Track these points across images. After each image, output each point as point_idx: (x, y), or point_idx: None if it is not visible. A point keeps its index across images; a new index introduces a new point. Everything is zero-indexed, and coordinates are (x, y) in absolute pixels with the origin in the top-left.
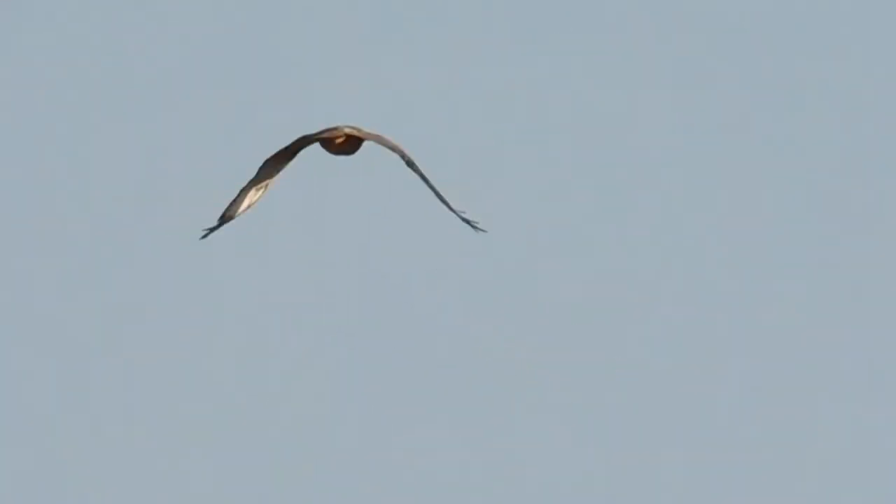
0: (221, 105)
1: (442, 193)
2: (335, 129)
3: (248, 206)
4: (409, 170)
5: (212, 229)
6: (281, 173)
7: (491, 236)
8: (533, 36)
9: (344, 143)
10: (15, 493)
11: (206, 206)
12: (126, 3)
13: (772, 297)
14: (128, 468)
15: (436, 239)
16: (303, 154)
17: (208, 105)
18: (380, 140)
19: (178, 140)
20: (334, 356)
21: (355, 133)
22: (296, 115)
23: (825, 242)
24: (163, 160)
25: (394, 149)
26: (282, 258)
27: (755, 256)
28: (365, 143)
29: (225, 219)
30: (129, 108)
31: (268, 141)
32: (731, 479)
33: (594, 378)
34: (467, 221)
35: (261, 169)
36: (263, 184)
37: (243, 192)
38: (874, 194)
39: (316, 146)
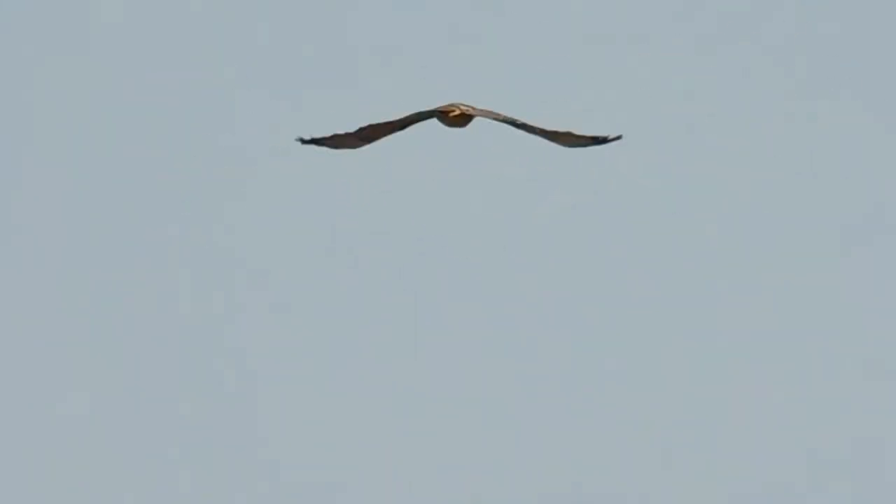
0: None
1: (560, 130)
2: (450, 105)
3: (348, 149)
4: (523, 132)
5: (311, 141)
6: (386, 137)
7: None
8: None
9: (458, 118)
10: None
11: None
12: None
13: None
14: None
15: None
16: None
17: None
18: (490, 114)
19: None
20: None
21: (468, 110)
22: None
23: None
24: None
25: (504, 119)
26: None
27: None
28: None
29: (321, 142)
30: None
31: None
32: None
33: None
34: (600, 139)
35: (364, 128)
36: (367, 140)
37: (346, 137)
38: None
39: (431, 121)
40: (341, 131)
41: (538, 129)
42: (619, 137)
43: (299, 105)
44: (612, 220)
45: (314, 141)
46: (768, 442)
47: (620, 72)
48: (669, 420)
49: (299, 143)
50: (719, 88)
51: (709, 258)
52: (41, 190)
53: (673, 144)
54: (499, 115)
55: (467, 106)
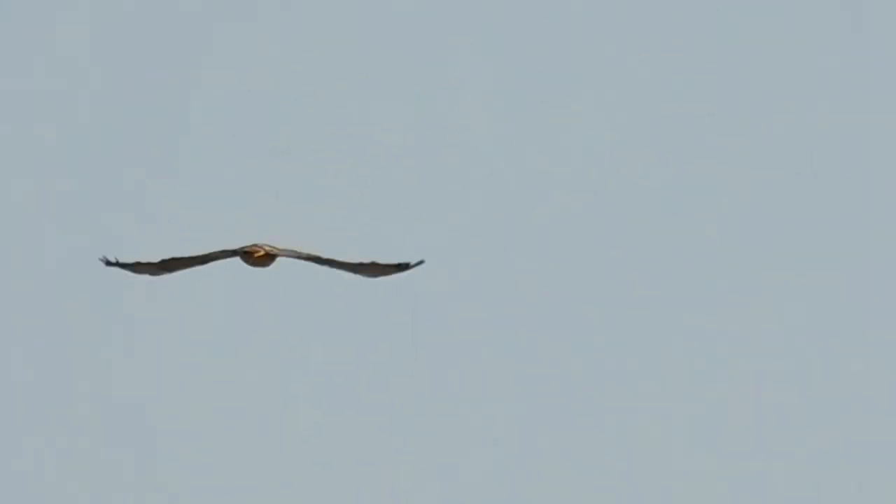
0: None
1: (364, 262)
2: (254, 245)
3: (149, 276)
4: (325, 266)
5: (114, 263)
6: (188, 270)
7: (429, 264)
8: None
9: (262, 257)
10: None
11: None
12: None
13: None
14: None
15: None
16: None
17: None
18: (293, 253)
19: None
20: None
21: (272, 250)
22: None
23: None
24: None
25: (308, 257)
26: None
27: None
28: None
29: (124, 266)
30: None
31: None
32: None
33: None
34: (403, 265)
35: (167, 261)
36: (167, 270)
37: (148, 266)
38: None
39: (232, 259)
40: (144, 260)
41: (342, 263)
42: (421, 262)
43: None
44: (612, 221)
45: (118, 264)
46: (768, 441)
47: (620, 71)
48: (669, 419)
49: (103, 264)
50: (719, 88)
51: (708, 258)
52: None
53: (673, 145)
54: (301, 253)
55: (271, 246)
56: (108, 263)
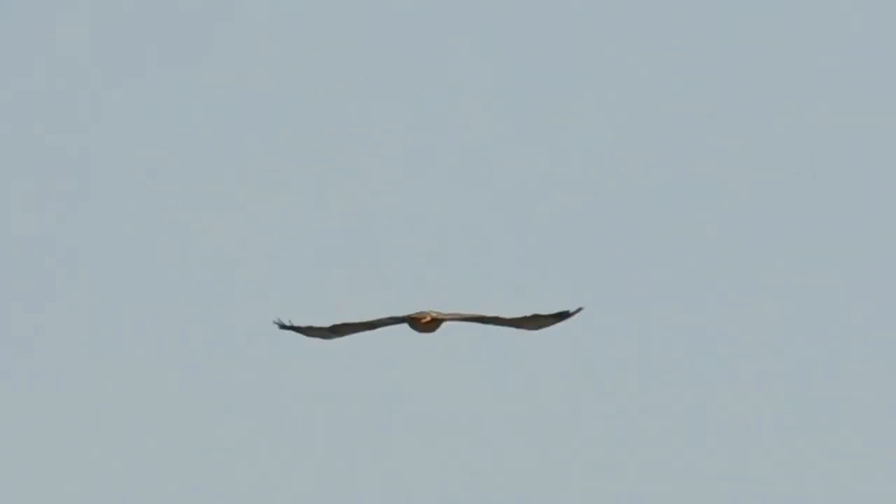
0: None
1: (526, 315)
2: (421, 312)
3: (321, 340)
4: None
5: (289, 327)
6: (357, 333)
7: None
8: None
9: (429, 323)
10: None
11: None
12: None
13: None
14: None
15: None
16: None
17: None
18: (458, 316)
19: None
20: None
21: (437, 315)
22: None
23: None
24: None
25: (473, 318)
26: None
27: None
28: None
29: (297, 330)
30: None
31: None
32: None
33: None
34: (563, 314)
35: (337, 326)
36: (339, 335)
37: (313, 330)
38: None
39: (401, 326)
40: (317, 324)
41: (505, 319)
42: (580, 310)
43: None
44: (612, 221)
45: (292, 327)
46: (767, 441)
47: (620, 71)
48: (669, 420)
49: (277, 327)
50: (719, 88)
51: (708, 258)
52: None
53: (673, 145)
54: (466, 315)
55: (437, 312)
56: (283, 327)
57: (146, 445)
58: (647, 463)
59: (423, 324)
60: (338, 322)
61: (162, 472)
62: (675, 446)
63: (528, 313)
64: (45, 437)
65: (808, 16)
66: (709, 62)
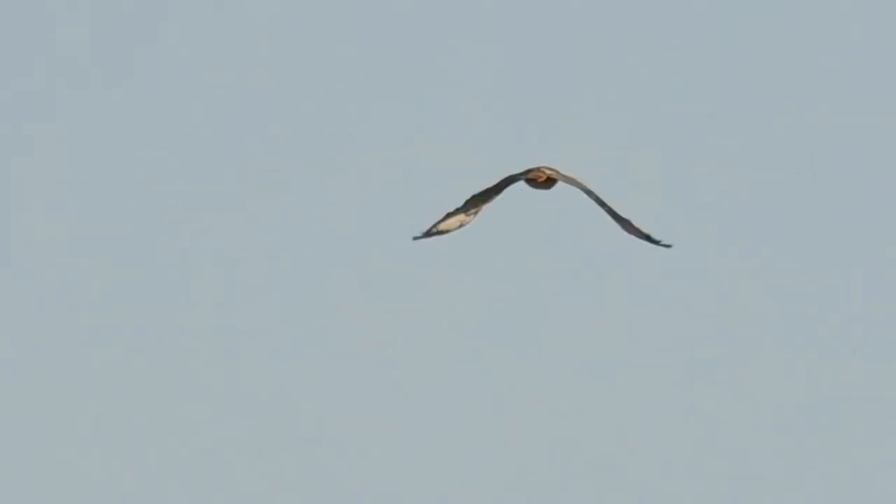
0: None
1: (625, 217)
2: (537, 169)
3: (458, 227)
4: (595, 204)
5: (426, 233)
6: (488, 205)
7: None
8: None
9: (545, 182)
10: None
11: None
12: None
13: None
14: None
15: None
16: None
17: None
18: (572, 181)
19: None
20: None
21: (553, 174)
22: None
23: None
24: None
25: (582, 188)
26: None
27: None
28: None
29: (432, 233)
30: None
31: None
32: None
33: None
34: (651, 239)
35: (468, 201)
36: (473, 212)
37: (450, 215)
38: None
39: (519, 184)
40: (450, 209)
41: (608, 206)
42: (669, 245)
43: None
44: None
45: (428, 232)
46: (767, 442)
47: (620, 71)
48: (669, 419)
49: (415, 240)
50: (719, 88)
51: (708, 258)
52: None
53: (673, 145)
54: (580, 183)
55: (554, 171)
56: (421, 236)
57: (146, 446)
58: (660, 462)
59: (541, 182)
60: (468, 197)
61: (162, 471)
62: (676, 446)
63: (626, 216)
64: (44, 437)
65: (808, 16)
66: (709, 62)
